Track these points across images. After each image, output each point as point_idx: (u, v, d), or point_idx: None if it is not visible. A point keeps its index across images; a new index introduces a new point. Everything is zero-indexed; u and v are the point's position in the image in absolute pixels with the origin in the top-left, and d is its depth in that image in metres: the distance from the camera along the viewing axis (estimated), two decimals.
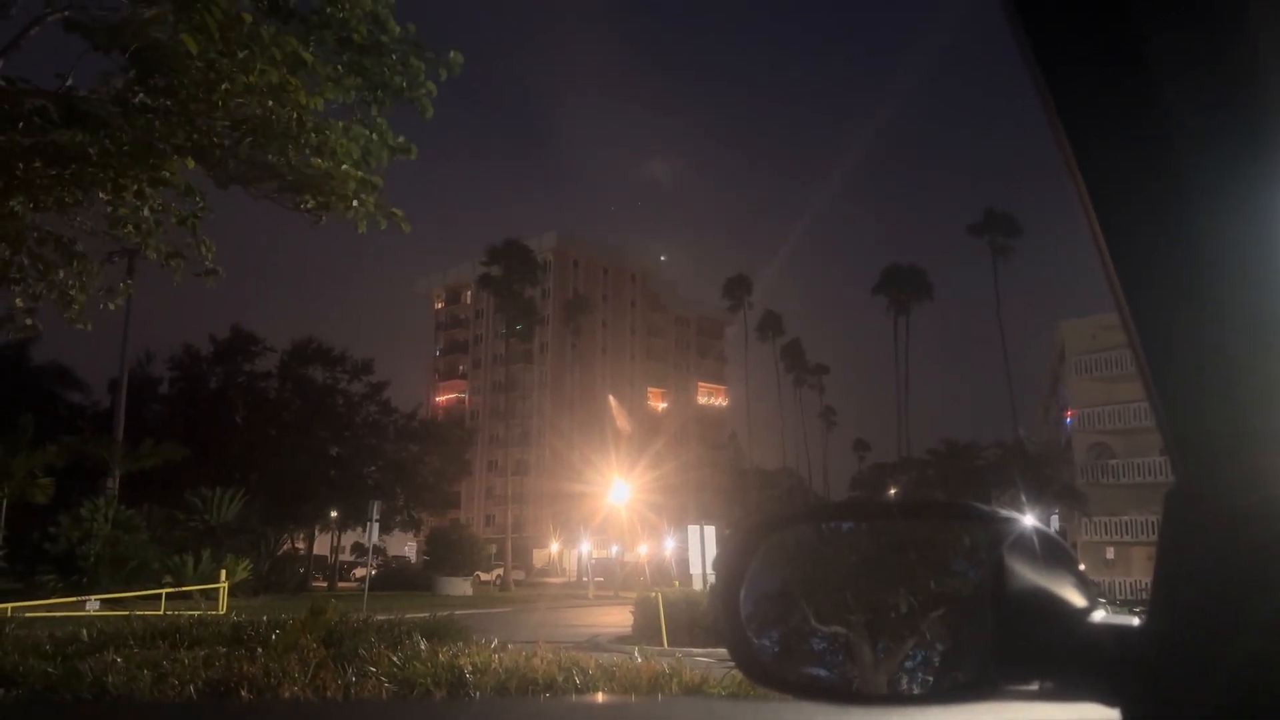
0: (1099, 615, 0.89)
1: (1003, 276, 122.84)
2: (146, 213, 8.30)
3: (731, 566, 1.08)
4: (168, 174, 7.48)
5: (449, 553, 52.64)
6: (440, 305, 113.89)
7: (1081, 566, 0.96)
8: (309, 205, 8.04)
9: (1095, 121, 0.73)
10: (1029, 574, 0.92)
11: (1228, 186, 0.71)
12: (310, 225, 8.69)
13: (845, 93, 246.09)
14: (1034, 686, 0.91)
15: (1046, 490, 56.03)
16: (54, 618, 19.60)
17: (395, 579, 52.12)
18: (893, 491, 72.53)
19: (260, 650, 8.47)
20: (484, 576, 59.27)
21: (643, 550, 68.48)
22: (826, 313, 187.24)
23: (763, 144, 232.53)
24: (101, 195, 7.73)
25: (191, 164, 7.43)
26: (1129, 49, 0.69)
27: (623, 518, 66.26)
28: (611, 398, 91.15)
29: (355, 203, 8.12)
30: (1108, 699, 0.85)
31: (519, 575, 68.37)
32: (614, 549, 74.53)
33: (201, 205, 8.41)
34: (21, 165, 6.97)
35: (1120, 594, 42.99)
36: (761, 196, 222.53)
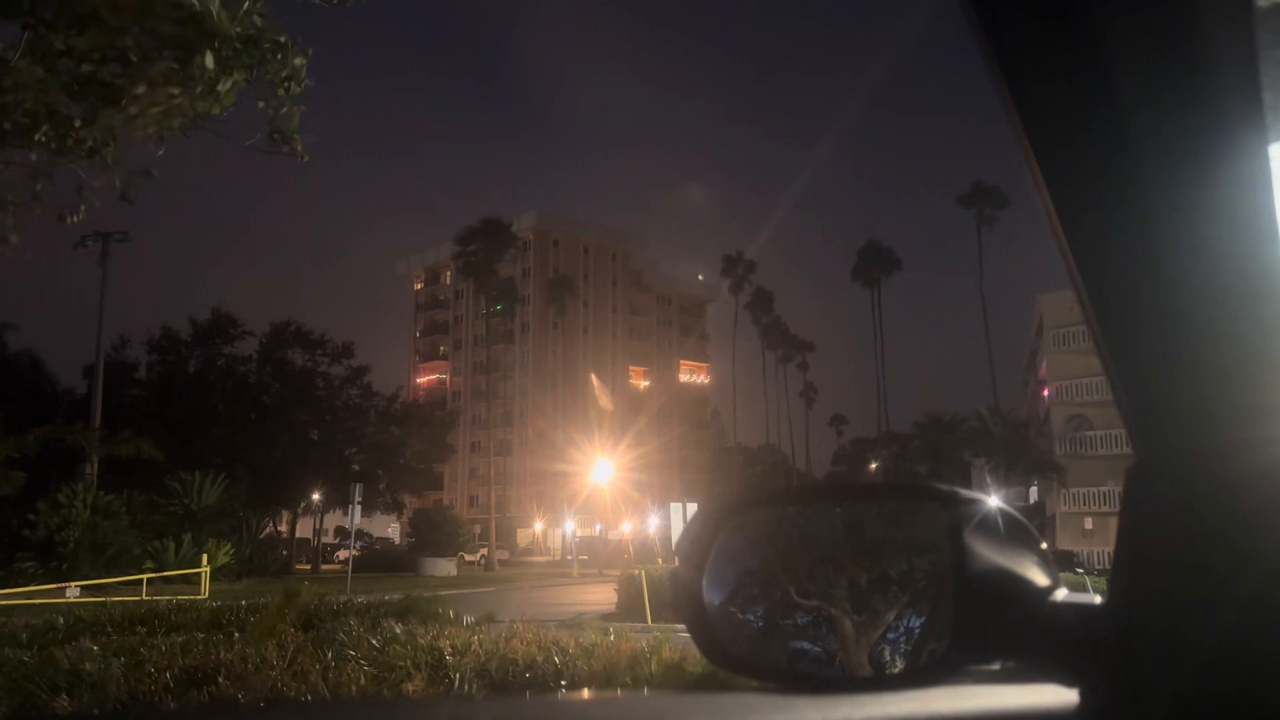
0: (1061, 594, 0.89)
1: (991, 249, 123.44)
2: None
3: (693, 552, 1.06)
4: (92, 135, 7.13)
5: (433, 534, 52.75)
6: (420, 286, 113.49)
7: (1044, 545, 0.94)
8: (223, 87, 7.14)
9: (1049, 102, 0.73)
10: (992, 554, 0.90)
11: (1183, 164, 0.70)
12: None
13: (830, 64, 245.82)
14: (996, 667, 0.90)
15: (1024, 462, 56.61)
16: (33, 605, 19.49)
17: (379, 561, 52.26)
18: (874, 466, 73.09)
19: (237, 635, 8.44)
20: (468, 557, 59.48)
21: (626, 528, 68.81)
22: (807, 288, 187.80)
23: (740, 118, 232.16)
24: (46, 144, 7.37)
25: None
26: (1084, 30, 0.69)
27: (606, 496, 66.50)
28: (594, 377, 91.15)
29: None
30: (1067, 679, 0.85)
31: (503, 555, 68.61)
32: (598, 527, 74.83)
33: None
34: None
35: (1099, 563, 43.53)
36: (741, 172, 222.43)
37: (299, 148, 7.79)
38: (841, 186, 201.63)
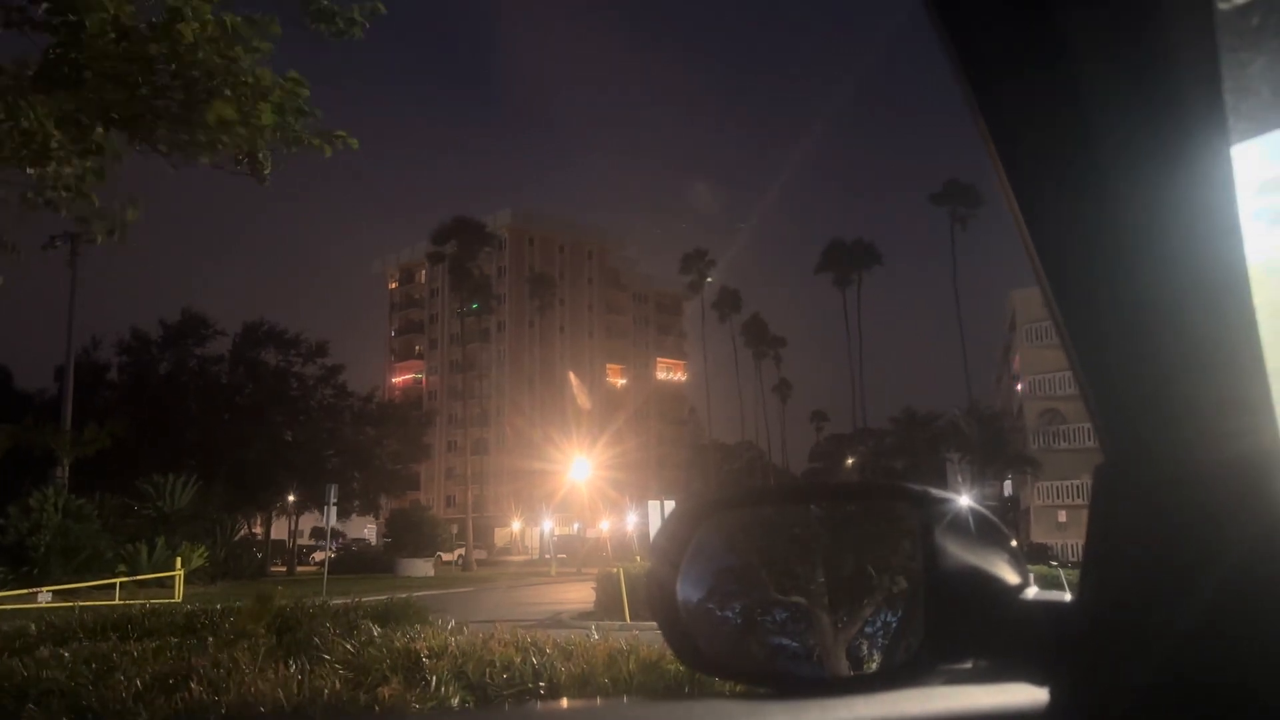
0: (1031, 592, 0.90)
1: (966, 245, 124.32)
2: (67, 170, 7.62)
3: (669, 549, 1.06)
4: (96, 143, 7.06)
5: (409, 534, 52.54)
6: (394, 285, 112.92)
7: (1014, 543, 0.95)
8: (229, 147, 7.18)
9: (1012, 101, 0.73)
10: (962, 554, 0.91)
11: (1146, 164, 0.71)
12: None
13: (821, 63, 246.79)
14: (968, 666, 0.91)
15: (999, 457, 57.13)
16: (4, 611, 19.24)
17: (356, 562, 52.00)
18: (850, 461, 73.48)
19: (210, 639, 8.35)
20: (445, 557, 59.32)
21: (604, 526, 68.80)
22: (784, 283, 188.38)
23: (718, 116, 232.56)
24: (30, 169, 7.28)
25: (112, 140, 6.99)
26: (1047, 31, 0.69)
27: (584, 495, 66.42)
28: (571, 375, 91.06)
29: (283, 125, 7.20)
30: (1036, 678, 0.85)
31: (481, 554, 68.42)
32: (576, 526, 74.80)
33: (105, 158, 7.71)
34: None
35: (1073, 556, 43.92)
36: (718, 169, 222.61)
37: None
38: (824, 183, 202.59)
